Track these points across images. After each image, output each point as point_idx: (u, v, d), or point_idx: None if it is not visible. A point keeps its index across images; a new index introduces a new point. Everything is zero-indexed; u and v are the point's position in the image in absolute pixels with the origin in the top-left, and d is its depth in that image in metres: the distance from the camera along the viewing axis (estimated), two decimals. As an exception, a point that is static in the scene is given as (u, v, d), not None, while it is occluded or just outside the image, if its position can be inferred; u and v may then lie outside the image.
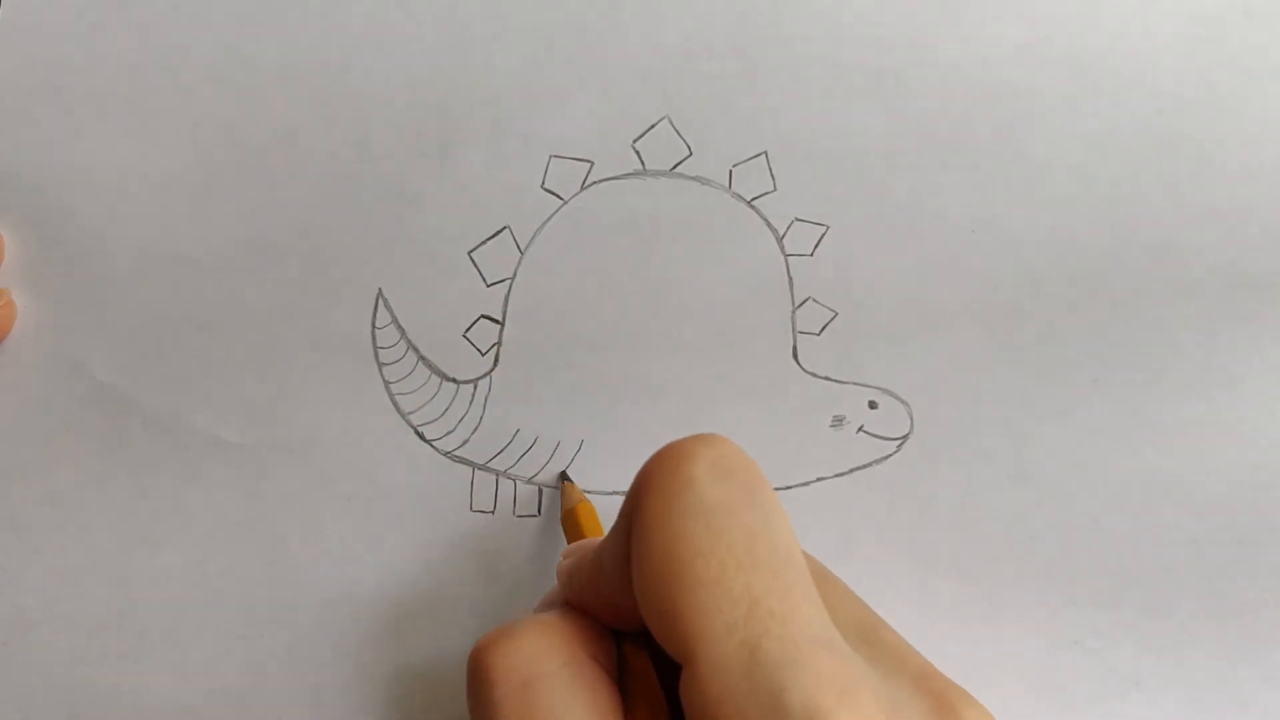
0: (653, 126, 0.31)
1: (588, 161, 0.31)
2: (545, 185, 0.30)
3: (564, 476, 0.31)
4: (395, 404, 0.30)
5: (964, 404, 0.31)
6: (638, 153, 0.31)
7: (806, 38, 0.31)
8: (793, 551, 0.21)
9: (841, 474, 0.30)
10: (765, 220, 0.30)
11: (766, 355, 0.30)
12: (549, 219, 0.30)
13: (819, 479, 0.30)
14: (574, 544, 0.27)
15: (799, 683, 0.19)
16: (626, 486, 0.30)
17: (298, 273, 0.30)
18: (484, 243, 0.30)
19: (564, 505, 0.30)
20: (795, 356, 0.30)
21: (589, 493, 0.30)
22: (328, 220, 0.30)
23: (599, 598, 0.23)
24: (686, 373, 0.30)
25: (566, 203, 0.30)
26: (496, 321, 0.30)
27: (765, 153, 0.31)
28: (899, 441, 0.31)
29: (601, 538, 0.28)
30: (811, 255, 0.30)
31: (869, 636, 0.22)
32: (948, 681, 0.21)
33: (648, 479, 0.21)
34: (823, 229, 0.30)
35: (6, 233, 0.30)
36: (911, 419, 0.31)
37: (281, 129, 0.30)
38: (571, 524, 0.29)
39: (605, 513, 0.30)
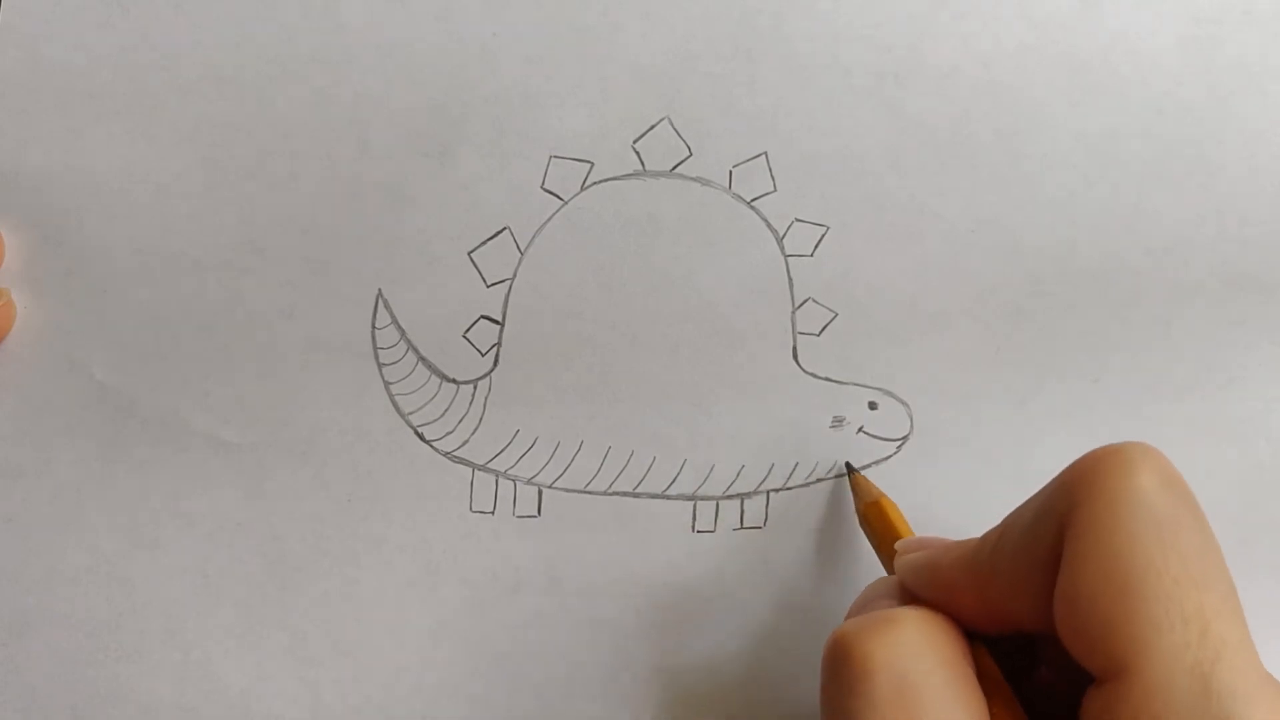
0: (653, 127, 0.31)
1: (588, 162, 0.31)
2: (545, 185, 0.30)
3: (850, 468, 0.30)
4: (395, 404, 0.30)
5: (964, 404, 0.31)
6: (638, 153, 0.31)
7: (807, 38, 0.31)
8: (1229, 574, 0.20)
9: (841, 474, 0.30)
10: (765, 221, 0.30)
11: (766, 355, 0.30)
12: (549, 219, 0.30)
13: (819, 479, 0.30)
14: (915, 539, 0.26)
15: None
16: (627, 487, 0.30)
17: (298, 273, 0.30)
18: (484, 243, 0.30)
19: (862, 499, 0.29)
20: (795, 357, 0.30)
21: (583, 493, 0.30)
22: (328, 220, 0.30)
23: (975, 596, 0.22)
24: (686, 373, 0.30)
25: (566, 203, 0.30)
26: (496, 322, 0.30)
27: (765, 153, 0.31)
28: (899, 442, 0.31)
29: (920, 536, 0.27)
30: (811, 255, 0.30)
31: None
32: None
33: (1092, 482, 0.20)
34: (823, 229, 0.30)
35: (6, 233, 0.30)
36: (911, 419, 0.31)
37: (281, 129, 0.30)
38: (880, 519, 0.28)
39: (610, 515, 0.30)
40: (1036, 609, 0.21)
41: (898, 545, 0.26)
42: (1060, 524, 0.20)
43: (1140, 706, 0.19)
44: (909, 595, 0.24)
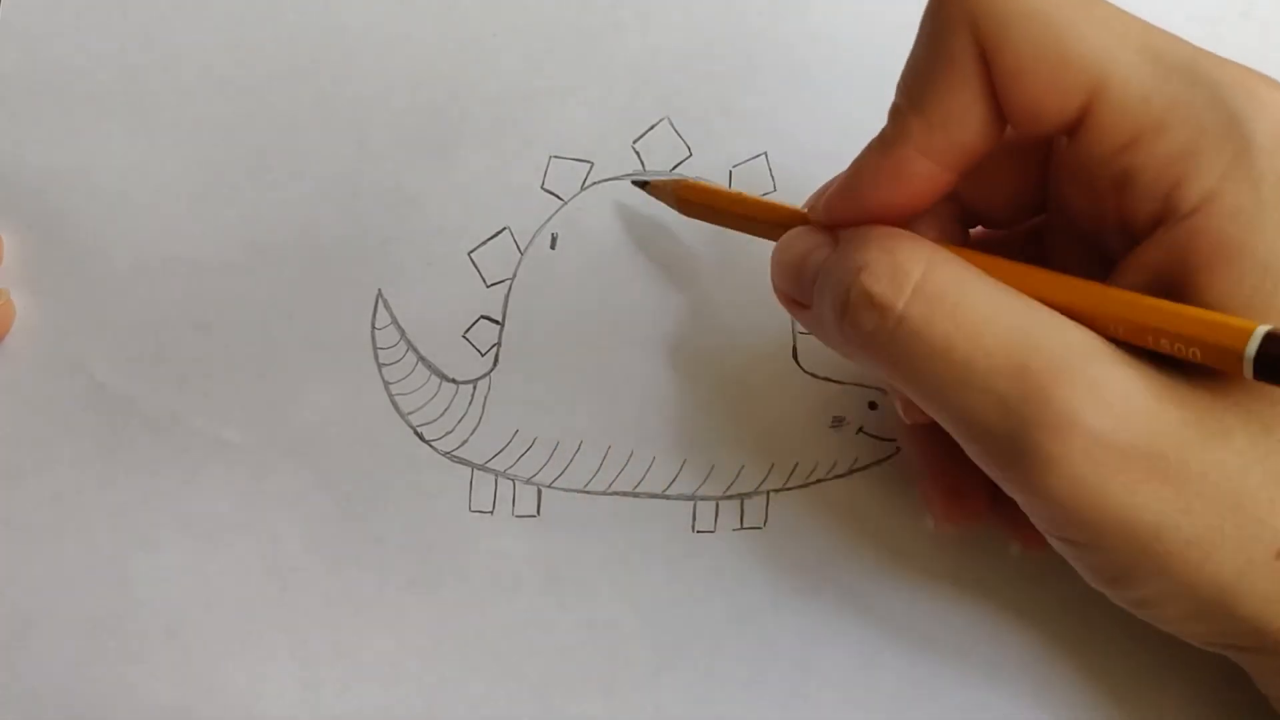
0: (653, 127, 0.31)
1: (588, 162, 0.31)
2: (545, 185, 0.30)
3: (638, 183, 0.30)
4: (395, 404, 0.30)
5: (964, 404, 0.31)
6: (637, 153, 0.31)
7: (806, 38, 0.31)
8: None
9: (841, 474, 0.30)
10: (765, 220, 0.31)
11: (766, 355, 0.30)
12: (549, 219, 0.30)
13: (819, 479, 0.30)
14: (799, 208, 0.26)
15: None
16: (626, 487, 0.30)
17: (298, 273, 0.30)
18: (484, 243, 0.30)
19: (675, 198, 0.28)
20: (795, 357, 0.30)
21: (583, 493, 0.30)
22: (328, 220, 0.30)
23: (923, 167, 0.22)
24: (686, 373, 0.30)
25: (566, 203, 0.30)
26: (496, 322, 0.30)
27: (765, 153, 0.31)
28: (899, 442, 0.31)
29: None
30: (811, 255, 0.30)
31: None
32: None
33: None
34: (822, 229, 0.30)
35: (6, 233, 0.30)
36: (911, 419, 0.31)
37: (281, 129, 0.30)
38: (700, 199, 0.28)
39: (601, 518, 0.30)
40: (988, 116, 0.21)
41: (786, 239, 0.25)
42: (969, 30, 0.21)
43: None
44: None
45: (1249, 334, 0.18)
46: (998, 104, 0.21)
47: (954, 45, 0.21)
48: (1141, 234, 0.22)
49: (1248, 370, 0.19)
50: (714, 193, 0.28)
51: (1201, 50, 0.22)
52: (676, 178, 0.29)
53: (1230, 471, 0.20)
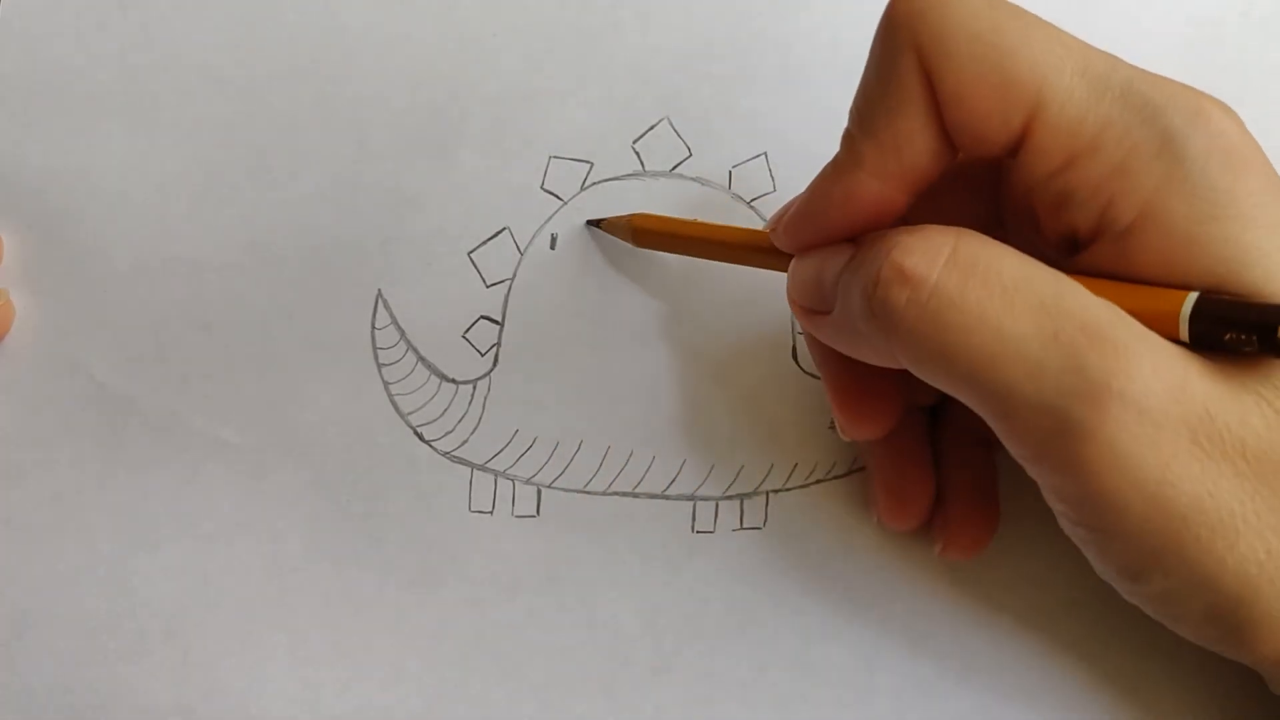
0: (652, 127, 0.31)
1: (588, 162, 0.31)
2: (545, 186, 0.30)
3: (592, 222, 0.30)
4: (394, 404, 0.30)
5: (963, 404, 0.31)
6: (637, 153, 0.31)
7: (806, 38, 0.31)
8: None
9: (841, 475, 0.30)
10: (765, 221, 0.31)
11: (766, 355, 0.30)
12: (549, 219, 0.30)
13: (818, 480, 0.30)
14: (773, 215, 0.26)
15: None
16: (626, 487, 0.30)
17: (298, 273, 0.30)
18: (484, 243, 0.30)
19: (630, 232, 0.29)
20: (795, 357, 0.30)
21: (582, 493, 0.30)
22: (328, 220, 0.30)
23: (880, 183, 0.22)
24: (686, 373, 0.30)
25: (566, 203, 0.30)
26: (496, 322, 0.30)
27: (765, 153, 0.31)
28: (899, 442, 0.31)
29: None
30: (811, 255, 0.30)
31: None
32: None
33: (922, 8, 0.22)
34: (822, 229, 0.30)
35: (6, 233, 0.30)
36: (911, 419, 0.31)
37: (281, 129, 0.30)
38: (658, 228, 0.29)
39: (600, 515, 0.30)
40: (939, 141, 0.22)
41: (768, 226, 0.26)
42: (914, 54, 0.21)
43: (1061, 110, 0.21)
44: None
45: (1183, 299, 0.20)
46: (945, 127, 0.22)
47: (900, 70, 0.22)
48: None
49: (1184, 332, 0.20)
50: (672, 221, 0.29)
51: (1141, 71, 0.22)
52: (630, 213, 0.29)
53: (1258, 447, 0.20)
